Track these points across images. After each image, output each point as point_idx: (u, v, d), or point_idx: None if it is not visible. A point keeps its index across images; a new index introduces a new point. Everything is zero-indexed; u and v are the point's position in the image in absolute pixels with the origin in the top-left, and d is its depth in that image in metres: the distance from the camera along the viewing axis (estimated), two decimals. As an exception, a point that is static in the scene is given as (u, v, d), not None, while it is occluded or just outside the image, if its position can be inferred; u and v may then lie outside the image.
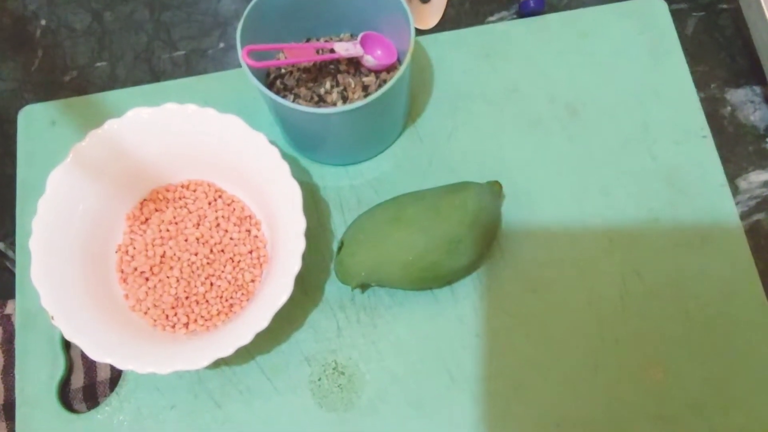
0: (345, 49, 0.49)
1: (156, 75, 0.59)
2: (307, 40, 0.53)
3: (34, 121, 0.56)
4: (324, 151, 0.52)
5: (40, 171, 0.54)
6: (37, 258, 0.44)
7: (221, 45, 0.60)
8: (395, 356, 0.49)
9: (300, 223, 0.44)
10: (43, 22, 0.61)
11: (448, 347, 0.49)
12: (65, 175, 0.46)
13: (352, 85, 0.51)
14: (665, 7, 0.57)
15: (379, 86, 0.51)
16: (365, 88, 0.51)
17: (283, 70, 0.52)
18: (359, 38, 0.50)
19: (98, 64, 0.59)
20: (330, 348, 0.49)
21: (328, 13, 0.51)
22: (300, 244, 0.43)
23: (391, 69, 0.52)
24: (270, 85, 0.52)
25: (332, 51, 0.49)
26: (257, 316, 0.42)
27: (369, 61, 0.50)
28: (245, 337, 0.41)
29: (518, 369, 0.48)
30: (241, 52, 0.44)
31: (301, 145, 0.52)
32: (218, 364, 0.49)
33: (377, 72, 0.52)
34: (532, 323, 0.49)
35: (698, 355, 0.48)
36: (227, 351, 0.41)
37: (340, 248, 0.47)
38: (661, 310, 0.49)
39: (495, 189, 0.49)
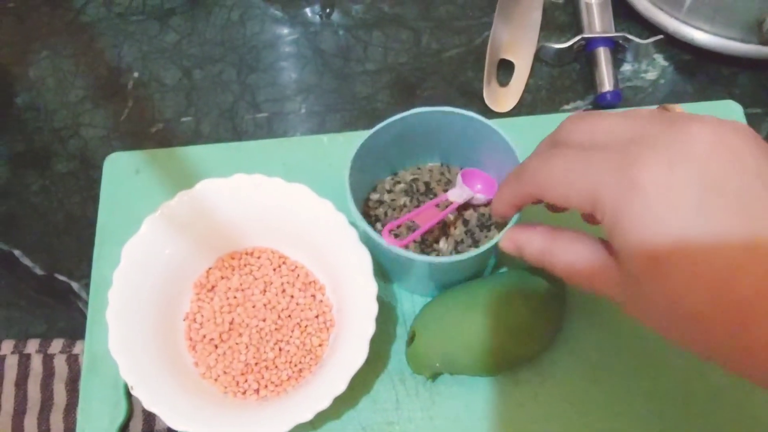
0: (458, 195, 0.50)
1: (238, 134, 0.61)
2: (395, 174, 0.54)
3: (119, 168, 0.58)
4: (416, 284, 0.52)
5: (121, 217, 0.56)
6: (114, 329, 0.45)
7: (303, 110, 0.62)
8: (452, 435, 0.49)
9: (371, 288, 0.45)
10: (135, 75, 0.64)
11: (505, 431, 0.49)
12: (138, 245, 0.48)
13: (452, 219, 0.52)
14: (740, 110, 0.58)
15: (478, 219, 0.51)
16: (465, 223, 0.52)
17: (384, 197, 0.53)
18: (460, 176, 0.50)
19: (184, 119, 0.62)
20: (388, 420, 0.49)
21: (420, 146, 0.52)
22: (373, 308, 0.45)
23: (489, 202, 0.52)
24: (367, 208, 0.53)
25: (447, 201, 0.50)
26: (333, 380, 0.43)
27: (479, 199, 0.51)
28: (323, 402, 0.42)
29: (576, 461, 0.48)
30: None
31: (394, 276, 0.53)
32: (277, 425, 0.49)
33: (475, 206, 0.52)
34: (592, 414, 0.49)
35: (762, 464, 0.47)
36: (306, 416, 0.42)
37: (411, 339, 0.48)
38: (726, 414, 0.48)
39: None
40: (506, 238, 0.39)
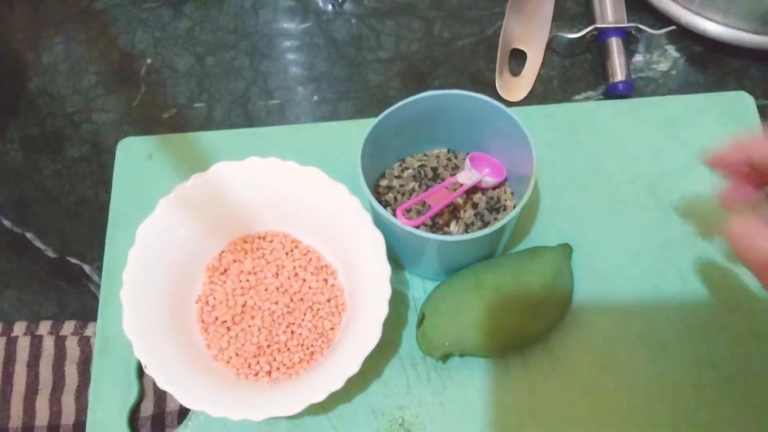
0: (468, 178, 0.50)
1: (250, 120, 0.61)
2: (402, 161, 0.54)
3: (132, 153, 0.59)
4: (427, 267, 0.52)
5: (133, 201, 0.56)
6: (128, 309, 0.45)
7: (315, 97, 0.62)
8: (462, 420, 0.49)
9: (385, 270, 0.46)
10: (148, 61, 0.65)
11: (517, 416, 0.49)
12: (153, 227, 0.48)
13: (461, 203, 0.52)
14: (752, 101, 0.58)
15: (487, 203, 0.52)
16: (475, 206, 0.52)
17: (393, 183, 0.53)
18: (468, 160, 0.51)
19: (196, 104, 0.62)
20: (399, 404, 0.49)
21: (428, 132, 0.52)
22: (386, 291, 0.45)
23: (497, 185, 0.52)
24: (377, 195, 0.53)
25: (456, 183, 0.50)
26: (346, 361, 0.43)
27: (488, 182, 0.51)
28: (336, 383, 0.42)
29: (586, 446, 0.48)
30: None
31: (406, 260, 0.53)
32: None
33: (484, 190, 0.53)
34: (603, 401, 0.49)
35: (772, 452, 0.47)
36: (319, 397, 0.42)
37: (421, 321, 0.48)
38: (736, 403, 0.48)
39: (567, 251, 0.50)
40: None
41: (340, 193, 0.48)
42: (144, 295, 0.46)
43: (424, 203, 0.51)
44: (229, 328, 0.49)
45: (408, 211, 0.51)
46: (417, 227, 0.45)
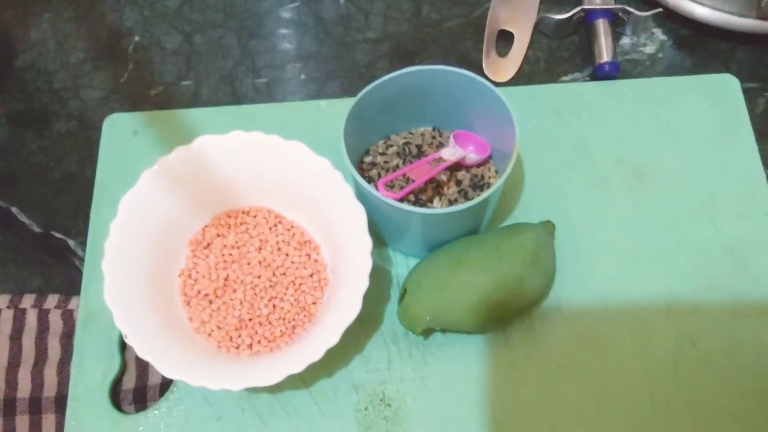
0: (451, 154, 0.50)
1: (238, 98, 0.61)
2: (387, 138, 0.54)
3: (118, 130, 0.59)
4: (410, 243, 0.52)
5: (118, 177, 0.56)
6: (109, 279, 0.45)
7: (302, 76, 0.62)
8: (443, 395, 0.49)
9: (366, 243, 0.46)
10: (136, 38, 0.64)
11: (497, 392, 0.49)
12: (136, 198, 0.48)
13: (445, 180, 0.52)
14: (737, 84, 0.58)
15: (471, 180, 0.52)
16: (458, 183, 0.52)
17: (377, 160, 0.53)
18: (452, 137, 0.51)
19: (184, 82, 0.62)
20: (379, 379, 0.50)
21: (412, 110, 0.52)
22: (367, 264, 0.45)
23: (482, 163, 0.53)
24: (361, 171, 0.53)
25: (440, 159, 0.50)
26: (327, 333, 0.43)
27: (471, 159, 0.51)
28: (316, 354, 0.42)
29: (566, 422, 0.48)
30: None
31: (389, 236, 0.53)
32: (269, 382, 0.50)
33: (468, 167, 0.53)
34: (583, 377, 0.49)
35: (751, 428, 0.47)
36: (298, 367, 0.42)
37: (402, 295, 0.48)
38: (714, 380, 0.49)
39: (549, 228, 0.50)
40: None
41: (323, 167, 0.48)
42: (125, 266, 0.46)
43: (408, 179, 0.51)
44: (211, 302, 0.50)
45: (391, 187, 0.51)
46: (399, 200, 0.45)
